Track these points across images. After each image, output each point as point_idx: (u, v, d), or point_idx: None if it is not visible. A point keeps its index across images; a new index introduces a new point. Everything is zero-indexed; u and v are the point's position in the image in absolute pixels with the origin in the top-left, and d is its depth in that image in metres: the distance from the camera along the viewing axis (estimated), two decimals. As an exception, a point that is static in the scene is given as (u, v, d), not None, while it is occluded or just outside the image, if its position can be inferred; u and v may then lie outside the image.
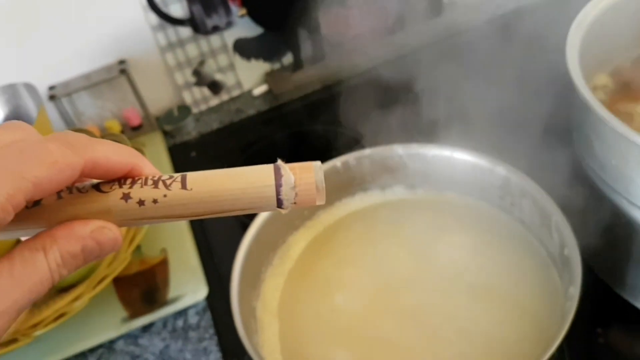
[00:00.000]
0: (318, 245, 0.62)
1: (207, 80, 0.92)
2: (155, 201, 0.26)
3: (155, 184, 0.26)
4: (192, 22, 0.86)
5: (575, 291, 0.44)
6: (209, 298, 0.68)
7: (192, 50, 0.89)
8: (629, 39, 0.57)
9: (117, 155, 0.26)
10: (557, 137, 0.55)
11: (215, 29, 0.88)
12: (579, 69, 0.48)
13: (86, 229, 0.25)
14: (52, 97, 0.84)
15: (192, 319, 0.67)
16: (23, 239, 0.25)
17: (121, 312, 0.67)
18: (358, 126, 0.77)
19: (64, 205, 0.25)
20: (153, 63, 0.89)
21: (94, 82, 0.85)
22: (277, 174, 0.26)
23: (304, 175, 0.26)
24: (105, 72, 0.85)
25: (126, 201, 0.26)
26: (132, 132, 0.90)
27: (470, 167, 0.56)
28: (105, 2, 0.83)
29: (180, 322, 0.67)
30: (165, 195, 0.26)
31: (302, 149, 0.86)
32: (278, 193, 0.26)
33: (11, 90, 0.75)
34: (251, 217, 0.59)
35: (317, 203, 0.27)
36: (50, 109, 0.84)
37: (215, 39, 0.89)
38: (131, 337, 0.66)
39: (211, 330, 0.65)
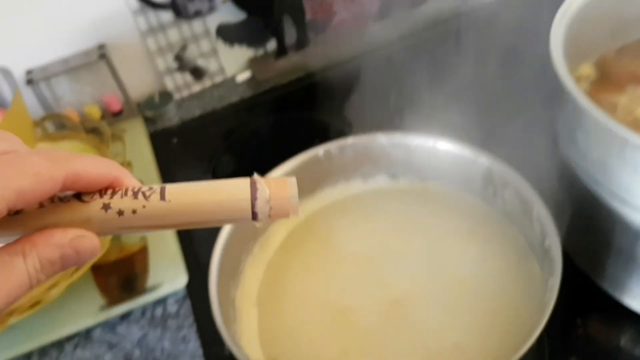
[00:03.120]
0: (299, 234, 0.61)
1: (189, 65, 0.90)
2: (134, 212, 0.26)
3: (135, 195, 0.27)
4: (173, 6, 0.84)
5: (554, 282, 0.44)
6: (188, 286, 0.67)
7: (173, 35, 0.87)
8: (613, 29, 0.57)
9: (98, 168, 0.26)
10: (541, 127, 0.55)
11: (198, 13, 0.86)
12: (563, 58, 0.48)
13: (66, 237, 0.26)
14: (29, 82, 0.82)
15: (171, 307, 0.66)
16: None
17: (99, 299, 0.66)
18: (341, 114, 0.76)
19: (45, 213, 0.26)
20: (133, 48, 0.87)
21: (73, 67, 0.83)
22: (253, 188, 0.27)
23: (278, 191, 0.27)
24: (84, 57, 0.84)
25: (106, 211, 0.26)
26: (112, 118, 0.88)
27: (453, 156, 0.56)
28: (85, -15, 0.81)
29: (159, 311, 0.66)
30: (144, 207, 0.27)
31: (285, 136, 0.85)
32: (253, 207, 0.27)
33: (-14, 73, 0.73)
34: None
35: (291, 217, 0.28)
36: (28, 93, 0.82)
37: (197, 24, 0.87)
38: (109, 326, 0.65)
39: (190, 319, 0.64)
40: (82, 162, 0.26)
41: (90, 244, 0.26)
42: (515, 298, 0.50)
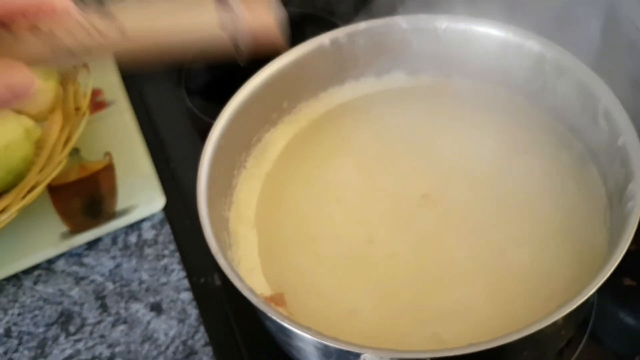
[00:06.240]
0: (300, 143, 0.51)
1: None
2: (88, 52, 0.23)
3: (86, 31, 0.23)
4: None
5: (637, 188, 0.36)
6: (166, 209, 0.57)
7: None
8: None
9: None
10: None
11: None
12: None
13: None
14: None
15: (148, 233, 0.56)
16: None
17: (60, 226, 0.56)
18: (340, 6, 0.65)
19: None
20: None
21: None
22: (224, 5, 0.23)
23: (255, 7, 0.23)
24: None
25: (52, 51, 0.23)
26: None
27: (493, 43, 0.46)
28: None
29: (133, 238, 0.56)
30: (99, 46, 0.23)
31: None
32: (230, 29, 0.23)
33: None
34: (214, 116, 0.48)
35: (278, 44, 0.24)
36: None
37: None
38: (74, 256, 0.55)
39: (171, 246, 0.55)
40: None
41: (23, 77, 0.23)
42: (570, 216, 0.42)
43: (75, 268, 0.55)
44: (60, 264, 0.55)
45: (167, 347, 0.49)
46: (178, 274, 0.53)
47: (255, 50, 0.23)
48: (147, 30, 0.23)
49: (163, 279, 0.53)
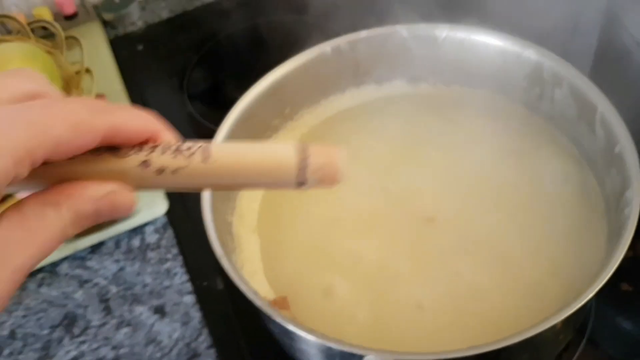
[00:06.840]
0: (302, 149, 0.52)
1: (154, -41, 0.77)
2: (174, 172, 0.24)
3: (176, 153, 0.25)
4: None
5: (633, 195, 0.36)
6: (169, 213, 0.58)
7: None
8: None
9: (137, 121, 0.25)
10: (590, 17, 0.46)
11: None
12: None
13: (102, 190, 0.24)
14: (-39, -26, 0.68)
15: (151, 237, 0.57)
16: (19, 195, 0.23)
17: (64, 230, 0.56)
18: (333, 15, 0.66)
19: (76, 165, 0.24)
20: None
21: (14, -44, 0.69)
22: (303, 156, 0.25)
23: (328, 161, 0.25)
24: (27, -56, 0.70)
25: (144, 168, 0.24)
26: (65, 23, 0.76)
27: (491, 52, 0.47)
28: None
29: (136, 241, 0.57)
30: (185, 167, 0.25)
31: (265, 44, 0.75)
32: (301, 176, 0.25)
33: None
34: (215, 121, 0.48)
35: (333, 188, 0.26)
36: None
37: None
38: (77, 259, 0.56)
39: (174, 250, 0.55)
40: (122, 115, 0.24)
41: (128, 201, 0.24)
42: (568, 222, 0.43)
43: (78, 271, 0.55)
44: (64, 267, 0.56)
45: (171, 350, 0.49)
46: (181, 277, 0.53)
47: (314, 188, 0.25)
48: (230, 160, 0.25)
49: (166, 282, 0.53)
